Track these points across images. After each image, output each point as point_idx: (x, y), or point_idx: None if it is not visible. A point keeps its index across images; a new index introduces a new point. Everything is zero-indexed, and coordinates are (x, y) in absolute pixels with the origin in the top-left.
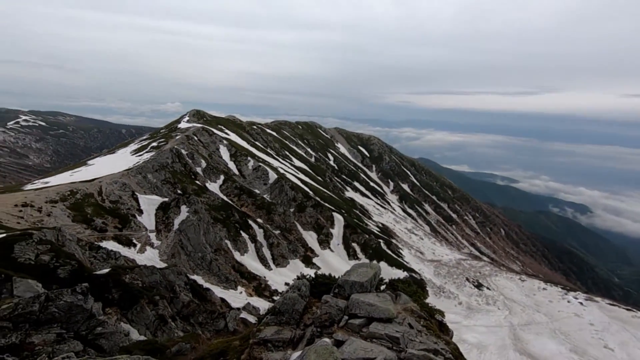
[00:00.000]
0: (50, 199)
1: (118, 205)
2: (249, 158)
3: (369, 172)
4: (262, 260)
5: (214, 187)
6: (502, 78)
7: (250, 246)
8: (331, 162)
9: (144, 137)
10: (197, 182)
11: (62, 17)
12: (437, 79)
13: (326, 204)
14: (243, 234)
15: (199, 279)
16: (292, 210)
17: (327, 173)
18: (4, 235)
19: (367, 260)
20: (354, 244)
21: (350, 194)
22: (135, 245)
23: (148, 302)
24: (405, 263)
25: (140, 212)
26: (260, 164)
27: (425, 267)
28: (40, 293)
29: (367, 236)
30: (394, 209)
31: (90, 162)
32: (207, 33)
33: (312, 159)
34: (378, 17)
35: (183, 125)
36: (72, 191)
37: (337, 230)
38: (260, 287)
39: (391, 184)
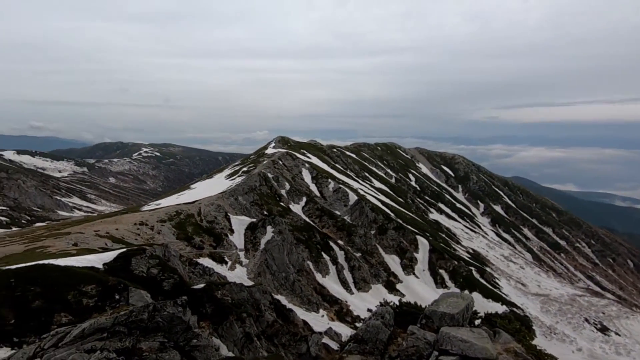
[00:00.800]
0: (160, 218)
1: (213, 225)
2: (329, 180)
3: (454, 193)
4: (344, 283)
5: (296, 208)
6: (604, 85)
7: (332, 268)
8: (412, 183)
9: (237, 163)
10: (282, 203)
11: (172, 64)
12: (524, 91)
13: (409, 227)
14: (324, 256)
15: (283, 299)
16: (373, 232)
17: (409, 194)
18: (125, 250)
19: (457, 290)
20: (441, 271)
21: (434, 216)
22: (226, 263)
23: (236, 319)
24: (503, 295)
25: (232, 231)
26: (341, 185)
27: (530, 301)
28: (149, 303)
29: (456, 262)
30: (486, 233)
31: (192, 186)
32: (287, 67)
33: (393, 180)
34: (448, 35)
35: (270, 150)
36: (177, 212)
37: (422, 255)
38: (341, 312)
39: (481, 205)
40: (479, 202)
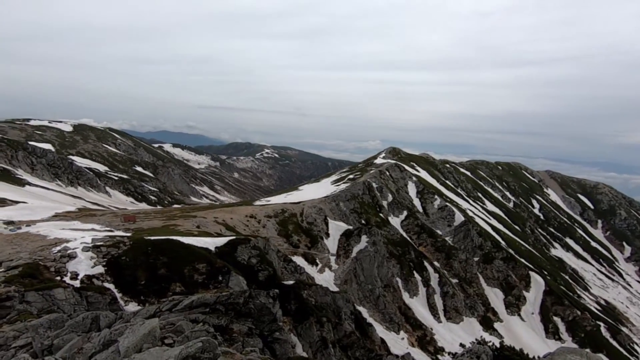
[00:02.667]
0: (267, 214)
1: (312, 227)
2: (435, 196)
3: (590, 229)
4: (432, 308)
5: (395, 221)
6: None
7: (422, 290)
8: (535, 211)
9: (344, 170)
10: (381, 214)
11: (309, 76)
12: None
13: (522, 260)
14: (416, 275)
15: (364, 312)
16: (476, 259)
17: (528, 223)
18: (234, 238)
19: (574, 346)
20: (557, 319)
21: (558, 252)
22: (317, 265)
23: (316, 322)
24: None
25: (328, 235)
26: (447, 203)
27: None
28: (246, 290)
29: (578, 312)
30: (629, 284)
31: (300, 187)
32: (418, 79)
33: (510, 204)
34: (619, 43)
35: (379, 160)
36: (282, 210)
37: (533, 295)
38: (424, 339)
39: (627, 248)
40: (624, 243)
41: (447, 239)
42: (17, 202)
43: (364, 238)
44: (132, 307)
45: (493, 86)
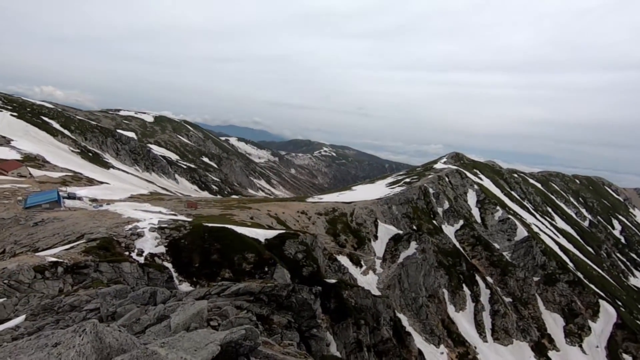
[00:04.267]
0: (318, 211)
1: (361, 228)
2: (497, 207)
3: None
4: (479, 326)
5: (449, 230)
6: None
7: (469, 305)
8: (615, 232)
9: (401, 173)
10: (434, 221)
11: (376, 76)
12: None
13: (591, 285)
14: (465, 289)
15: (404, 320)
16: (536, 279)
17: (605, 245)
18: (283, 231)
19: None
20: (627, 357)
21: (638, 282)
22: (361, 266)
23: (353, 323)
24: None
25: (376, 238)
26: (510, 216)
27: None
28: (289, 283)
29: None
30: None
31: (354, 187)
32: (486, 81)
33: (586, 223)
34: None
35: (439, 165)
36: (333, 208)
37: (601, 327)
38: (466, 357)
39: None
40: None
41: (505, 254)
42: (101, 183)
43: (413, 244)
44: (185, 286)
45: (581, 90)
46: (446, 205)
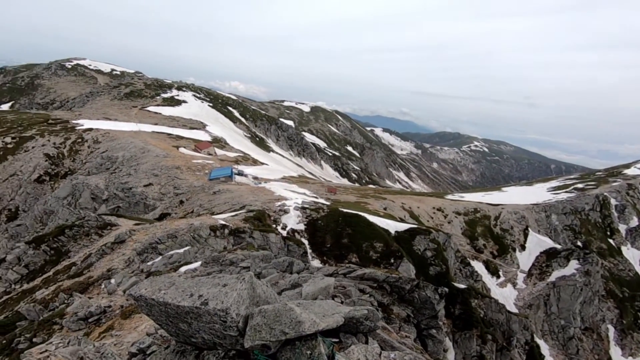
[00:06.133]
0: (457, 210)
1: (505, 234)
2: None
3: None
4: None
5: (632, 254)
6: None
7: None
8: None
9: (572, 177)
10: (611, 240)
11: (549, 60)
12: None
13: None
14: None
15: (544, 347)
16: None
17: None
18: (415, 226)
19: None
20: None
21: None
22: (498, 277)
23: (478, 336)
24: None
25: (523, 248)
26: None
27: None
28: (414, 278)
29: None
30: None
31: (504, 188)
32: None
33: None
34: None
35: (632, 171)
36: (475, 209)
37: None
38: None
39: None
40: None
41: None
42: (263, 164)
43: (574, 263)
44: (316, 263)
45: None
46: (634, 222)
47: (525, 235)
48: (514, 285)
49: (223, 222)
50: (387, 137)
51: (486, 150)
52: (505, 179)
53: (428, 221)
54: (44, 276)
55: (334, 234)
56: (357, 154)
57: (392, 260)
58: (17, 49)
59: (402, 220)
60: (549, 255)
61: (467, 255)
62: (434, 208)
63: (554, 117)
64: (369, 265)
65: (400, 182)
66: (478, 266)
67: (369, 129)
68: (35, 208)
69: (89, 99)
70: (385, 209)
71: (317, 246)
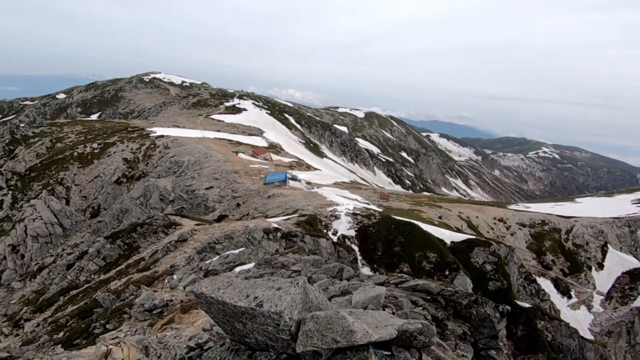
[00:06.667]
0: (521, 222)
1: (579, 250)
2: None
3: None
4: None
5: None
6: None
7: None
8: None
9: None
10: None
11: (620, 55)
12: None
13: None
14: None
15: None
16: None
17: None
18: (473, 237)
19: None
20: None
21: None
22: (570, 298)
23: None
24: None
25: (600, 267)
26: None
27: None
28: (472, 293)
29: None
30: None
31: (578, 199)
32: None
33: None
34: None
35: None
36: (542, 221)
37: None
38: None
39: None
40: None
41: None
42: (316, 169)
43: None
44: (366, 270)
45: None
46: None
47: (604, 253)
48: (589, 308)
49: (276, 226)
50: (444, 143)
51: (557, 156)
52: (580, 188)
53: (488, 232)
54: (118, 268)
55: (386, 241)
56: (412, 160)
57: (446, 272)
58: (107, 65)
59: (458, 230)
60: (634, 277)
61: (533, 272)
62: (494, 218)
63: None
64: (421, 276)
65: (457, 190)
66: (545, 284)
67: (424, 134)
68: (113, 207)
69: (162, 108)
70: (440, 217)
71: (368, 253)
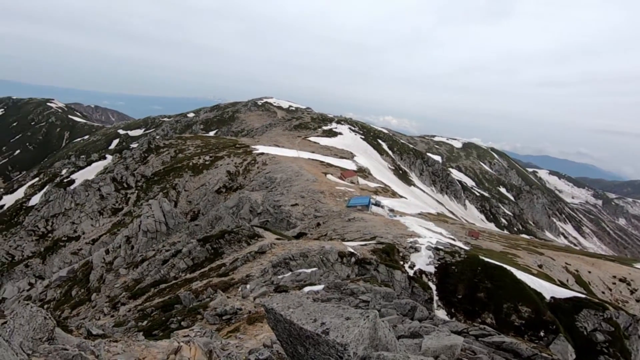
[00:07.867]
0: None
1: None
2: None
3: None
4: None
5: None
6: None
7: None
8: None
9: None
10: None
11: None
12: None
13: None
14: None
15: None
16: None
17: None
18: (582, 296)
19: None
20: None
21: None
22: None
23: None
24: None
25: None
26: None
27: None
28: None
29: None
30: None
31: None
32: None
33: None
34: None
35: None
36: None
37: None
38: None
39: None
40: None
41: None
42: (401, 197)
43: None
44: (441, 313)
45: None
46: None
47: None
48: None
49: (351, 250)
50: (553, 181)
51: None
52: None
53: (603, 293)
54: (202, 270)
55: (469, 284)
56: (512, 197)
57: (542, 334)
58: (229, 91)
59: (562, 285)
60: None
61: None
62: (614, 277)
63: None
64: (508, 333)
65: (566, 237)
66: None
67: (530, 170)
68: (210, 213)
69: (267, 129)
70: (540, 266)
71: (446, 294)
